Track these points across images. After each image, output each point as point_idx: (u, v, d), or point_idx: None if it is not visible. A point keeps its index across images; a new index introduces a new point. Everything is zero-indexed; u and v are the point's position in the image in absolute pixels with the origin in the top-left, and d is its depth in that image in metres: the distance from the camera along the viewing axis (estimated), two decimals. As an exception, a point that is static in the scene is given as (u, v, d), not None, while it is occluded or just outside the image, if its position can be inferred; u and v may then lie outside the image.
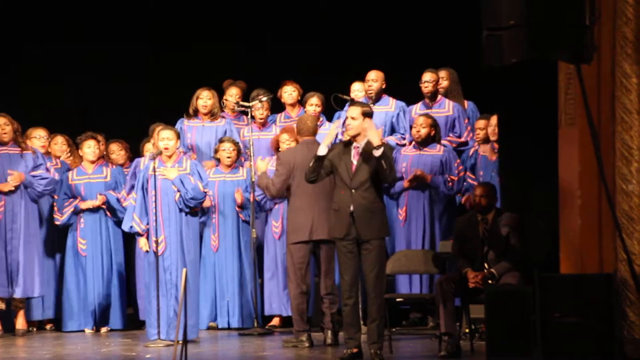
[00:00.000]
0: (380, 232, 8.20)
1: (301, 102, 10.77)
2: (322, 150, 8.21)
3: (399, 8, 11.60)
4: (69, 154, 10.80)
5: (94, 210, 10.39)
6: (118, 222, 10.31)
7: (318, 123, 10.38)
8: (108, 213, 10.42)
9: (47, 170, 10.20)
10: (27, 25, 11.99)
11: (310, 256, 9.05)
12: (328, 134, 8.27)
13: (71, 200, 10.39)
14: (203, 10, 12.01)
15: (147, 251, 9.31)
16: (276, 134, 10.20)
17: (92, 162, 10.49)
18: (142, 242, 9.35)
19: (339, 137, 10.21)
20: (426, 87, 10.55)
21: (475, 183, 9.73)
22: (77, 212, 10.40)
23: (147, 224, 9.30)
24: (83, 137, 10.52)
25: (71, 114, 11.94)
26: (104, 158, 10.64)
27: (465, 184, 10.16)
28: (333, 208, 8.30)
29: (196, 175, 9.34)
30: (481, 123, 10.15)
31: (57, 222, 10.43)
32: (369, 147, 8.10)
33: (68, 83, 12.10)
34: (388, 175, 8.12)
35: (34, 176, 10.10)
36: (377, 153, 8.04)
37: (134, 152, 10.82)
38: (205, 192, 9.40)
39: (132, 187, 9.82)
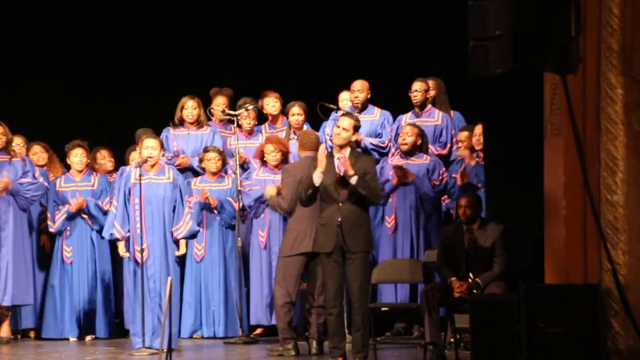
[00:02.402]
0: (366, 245, 8.24)
1: (283, 111, 10.76)
2: (317, 180, 8.19)
3: (387, 17, 11.61)
4: (48, 161, 10.74)
5: (78, 214, 10.33)
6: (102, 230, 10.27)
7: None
8: (85, 216, 10.33)
9: (35, 177, 10.15)
10: (11, 29, 11.97)
11: (302, 269, 9.04)
12: (319, 161, 8.23)
13: (61, 207, 10.35)
14: (190, 18, 12.01)
15: (127, 257, 9.27)
16: (260, 144, 10.20)
17: (80, 170, 10.45)
18: (121, 247, 9.30)
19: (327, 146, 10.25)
20: (415, 96, 10.55)
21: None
22: (70, 218, 10.36)
23: (128, 231, 9.27)
24: (70, 145, 10.47)
25: (55, 120, 11.89)
26: (88, 166, 10.59)
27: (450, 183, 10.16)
28: (320, 223, 8.30)
29: (179, 196, 9.36)
30: (462, 135, 10.15)
31: (51, 230, 10.39)
32: (346, 176, 8.12)
33: (52, 89, 12.06)
34: (371, 199, 8.24)
35: (21, 183, 10.05)
36: (353, 181, 8.07)
37: (120, 160, 10.79)
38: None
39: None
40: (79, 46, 11.93)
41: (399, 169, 10.05)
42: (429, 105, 10.61)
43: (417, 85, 10.55)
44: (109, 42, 11.89)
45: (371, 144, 10.46)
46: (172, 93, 10.96)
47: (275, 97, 10.76)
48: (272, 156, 9.90)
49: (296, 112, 10.53)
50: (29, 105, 11.77)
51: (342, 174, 8.11)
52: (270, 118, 10.85)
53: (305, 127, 10.54)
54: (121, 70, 11.90)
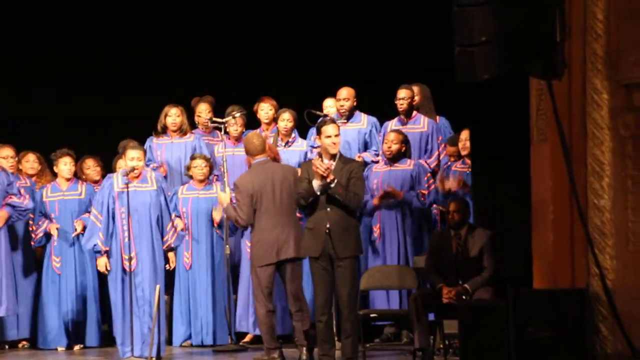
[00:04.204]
0: (355, 250, 8.25)
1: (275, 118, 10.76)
2: (317, 189, 8.19)
3: (373, 23, 11.63)
4: (40, 172, 10.71)
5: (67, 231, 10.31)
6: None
7: (290, 139, 10.43)
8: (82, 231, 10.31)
9: (19, 191, 10.07)
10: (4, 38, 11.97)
11: (274, 275, 9.00)
12: (316, 172, 8.20)
13: (41, 222, 10.30)
14: (179, 27, 12.00)
15: (107, 271, 9.22)
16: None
17: (67, 179, 10.43)
18: (101, 262, 9.25)
19: (309, 154, 10.25)
20: (401, 104, 10.55)
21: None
22: (47, 234, 10.32)
23: (107, 244, 9.24)
24: (58, 153, 10.42)
25: (43, 129, 11.87)
26: (75, 175, 10.56)
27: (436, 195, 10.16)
28: (307, 227, 8.31)
29: (164, 201, 9.35)
30: (451, 150, 10.16)
31: (32, 242, 10.37)
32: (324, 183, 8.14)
33: (39, 98, 12.04)
34: (349, 204, 8.22)
35: (13, 206, 9.96)
36: (332, 185, 8.11)
37: (108, 169, 10.76)
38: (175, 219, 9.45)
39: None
40: (73, 54, 11.92)
41: (387, 194, 10.01)
42: (415, 112, 10.62)
43: (403, 93, 10.55)
44: (83, 56, 11.88)
45: (372, 161, 10.46)
46: (161, 100, 10.97)
47: (270, 104, 10.73)
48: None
49: (286, 119, 10.49)
50: (19, 113, 11.75)
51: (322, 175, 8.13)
52: (262, 124, 10.82)
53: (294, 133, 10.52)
54: (111, 77, 11.89)
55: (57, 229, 10.24)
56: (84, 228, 10.03)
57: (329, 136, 8.33)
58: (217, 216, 10.21)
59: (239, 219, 8.97)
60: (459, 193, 9.77)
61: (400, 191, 10.04)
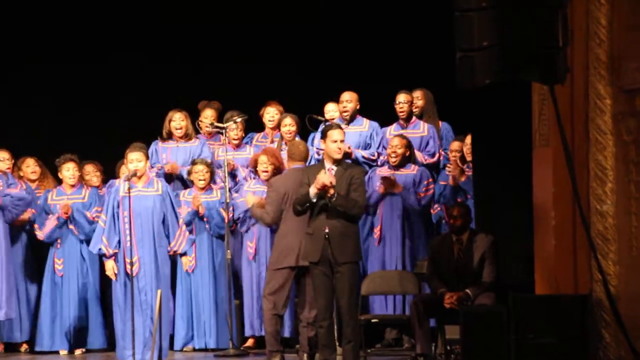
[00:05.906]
0: (354, 255, 8.22)
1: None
2: (313, 196, 8.17)
3: (374, 28, 11.62)
4: (41, 176, 10.71)
5: (66, 223, 10.29)
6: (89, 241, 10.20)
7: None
8: (72, 227, 10.29)
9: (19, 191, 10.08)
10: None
11: (292, 281, 8.97)
12: (317, 180, 8.18)
13: (51, 215, 10.30)
14: (183, 31, 12.00)
15: (114, 274, 9.21)
16: (256, 153, 10.16)
17: (72, 184, 10.42)
18: (109, 266, 9.24)
19: (314, 158, 10.23)
20: (401, 108, 10.53)
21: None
22: (60, 226, 10.30)
23: (115, 247, 9.22)
24: (62, 159, 10.43)
25: (44, 135, 11.87)
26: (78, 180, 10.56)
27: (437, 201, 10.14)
28: (307, 232, 8.29)
29: (171, 206, 9.34)
30: (455, 145, 10.14)
31: (40, 237, 10.33)
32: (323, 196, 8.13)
33: (40, 104, 12.03)
34: (350, 212, 8.19)
35: (11, 195, 9.97)
36: (332, 199, 8.10)
37: (109, 174, 10.75)
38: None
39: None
40: (67, 59, 11.90)
41: (386, 179, 10.03)
42: (414, 117, 10.60)
43: (403, 97, 10.52)
44: (82, 64, 11.87)
45: (362, 157, 10.44)
46: (162, 105, 10.95)
47: (276, 109, 10.72)
48: (264, 168, 9.87)
49: (288, 124, 10.48)
50: (16, 120, 11.74)
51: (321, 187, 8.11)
52: (266, 128, 10.80)
53: (297, 138, 10.52)
54: (110, 82, 11.88)
55: (69, 205, 10.23)
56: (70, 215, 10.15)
57: (335, 141, 8.31)
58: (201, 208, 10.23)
59: (265, 215, 8.98)
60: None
61: (399, 184, 10.01)
